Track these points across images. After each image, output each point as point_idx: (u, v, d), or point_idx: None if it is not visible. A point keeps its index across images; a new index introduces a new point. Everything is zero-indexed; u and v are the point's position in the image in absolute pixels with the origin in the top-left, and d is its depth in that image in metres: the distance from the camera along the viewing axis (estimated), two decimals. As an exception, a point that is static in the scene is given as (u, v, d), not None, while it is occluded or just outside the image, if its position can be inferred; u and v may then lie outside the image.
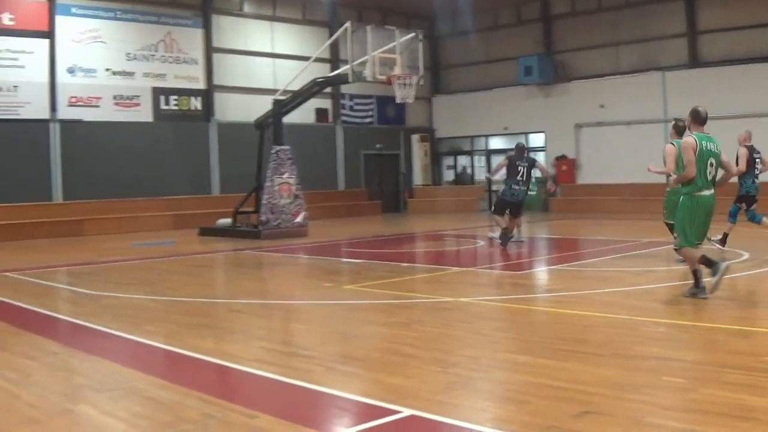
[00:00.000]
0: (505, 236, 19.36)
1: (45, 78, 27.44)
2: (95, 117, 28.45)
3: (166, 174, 29.64)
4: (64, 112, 27.81)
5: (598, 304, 11.19)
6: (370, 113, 37.16)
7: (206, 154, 31.28)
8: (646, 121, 31.93)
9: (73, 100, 28.05)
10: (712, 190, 11.20)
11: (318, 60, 28.50)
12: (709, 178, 11.09)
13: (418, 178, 38.89)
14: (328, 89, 31.94)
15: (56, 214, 26.96)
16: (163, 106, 30.22)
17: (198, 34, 31.29)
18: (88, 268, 17.51)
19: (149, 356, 8.88)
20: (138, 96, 29.59)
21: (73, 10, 28.12)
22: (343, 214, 33.26)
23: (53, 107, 27.53)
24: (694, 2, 31.40)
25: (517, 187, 19.40)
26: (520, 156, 19.70)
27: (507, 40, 37.21)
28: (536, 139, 36.58)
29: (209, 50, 31.54)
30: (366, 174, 37.04)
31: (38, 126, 27.18)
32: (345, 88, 34.49)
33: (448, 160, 40.67)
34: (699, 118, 11.37)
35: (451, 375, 7.46)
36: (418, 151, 38.64)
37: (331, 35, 30.77)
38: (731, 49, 30.52)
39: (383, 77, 22.47)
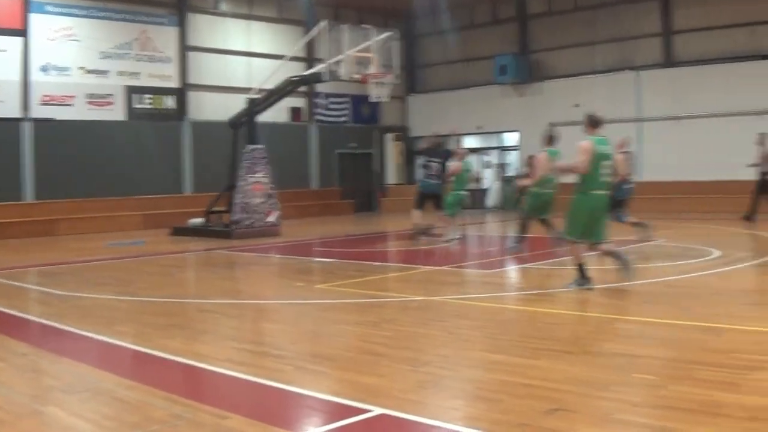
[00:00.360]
0: (419, 232, 20.46)
1: (18, 76, 27.23)
2: (68, 116, 28.24)
3: (139, 173, 29.46)
4: (37, 111, 27.60)
5: (569, 302, 11.25)
6: (344, 112, 37.10)
7: (180, 153, 31.17)
8: (620, 120, 31.97)
9: (46, 98, 27.85)
10: (606, 191, 12.05)
11: (293, 59, 28.45)
12: (602, 179, 11.88)
13: (391, 177, 38.88)
14: (303, 88, 31.86)
15: (28, 213, 26.76)
16: (136, 105, 30.05)
17: (173, 32, 31.15)
18: (60, 268, 17.39)
19: (119, 357, 8.82)
20: (111, 95, 29.40)
21: (48, 7, 27.92)
22: (317, 214, 33.21)
23: (26, 106, 27.34)
24: (669, 2, 31.51)
25: (427, 180, 20.63)
26: (432, 152, 20.60)
27: (483, 40, 37.19)
28: (511, 138, 36.64)
29: (184, 49, 31.42)
30: (340, 173, 36.99)
31: (10, 125, 26.97)
32: (320, 87, 34.38)
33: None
34: (594, 123, 12.23)
35: (423, 374, 7.46)
36: (392, 150, 38.64)
37: (306, 34, 30.72)
38: (705, 49, 30.63)
39: (358, 76, 22.44)
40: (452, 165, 20.60)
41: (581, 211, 12.00)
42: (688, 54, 31.13)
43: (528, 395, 6.61)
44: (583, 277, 12.08)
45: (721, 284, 12.67)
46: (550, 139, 17.17)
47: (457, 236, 20.14)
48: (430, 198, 20.73)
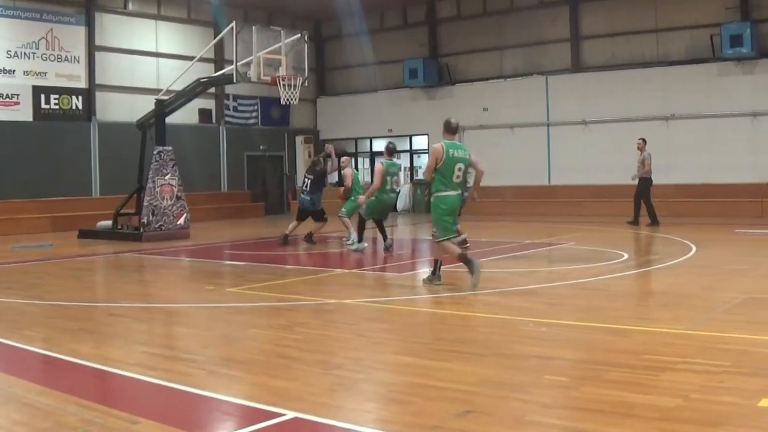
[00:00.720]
0: (286, 238, 21.02)
1: None
2: (-27, 116, 27.80)
3: (46, 175, 28.95)
4: (-59, 111, 27.11)
5: (480, 305, 11.33)
6: (254, 114, 36.93)
7: (87, 154, 30.73)
8: (529, 124, 32.35)
9: (-49, 97, 27.38)
10: (459, 191, 13.08)
11: (202, 60, 28.25)
12: (456, 180, 12.89)
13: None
14: (212, 90, 31.71)
15: (-69, 215, 26.26)
16: (43, 105, 29.59)
17: (81, 31, 30.72)
18: (-36, 271, 17.09)
19: (28, 361, 8.69)
20: (18, 95, 28.90)
21: (-50, 5, 27.46)
22: (227, 216, 33.03)
23: (-71, 105, 26.84)
24: (578, 8, 31.92)
25: (302, 196, 21.27)
26: (308, 169, 21.77)
27: (392, 43, 37.29)
28: (420, 142, 36.76)
29: (92, 48, 31.00)
30: (249, 175, 36.80)
31: None
32: (229, 89, 34.30)
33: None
34: (450, 128, 13.21)
35: (335, 377, 7.46)
36: (302, 152, 38.56)
37: (216, 35, 30.53)
38: (612, 55, 31.12)
39: (268, 78, 22.34)
40: (345, 173, 20.91)
41: (443, 212, 12.85)
42: (595, 59, 31.60)
43: (440, 398, 6.64)
44: (434, 274, 13.11)
45: (630, 286, 12.88)
46: (391, 152, 19.11)
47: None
48: (307, 213, 21.22)
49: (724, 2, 28.47)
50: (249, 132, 36.64)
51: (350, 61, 38.77)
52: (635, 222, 24.58)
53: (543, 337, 9.11)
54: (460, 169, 12.82)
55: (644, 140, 24.83)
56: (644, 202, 24.55)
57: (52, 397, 6.91)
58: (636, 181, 24.61)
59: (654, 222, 24.23)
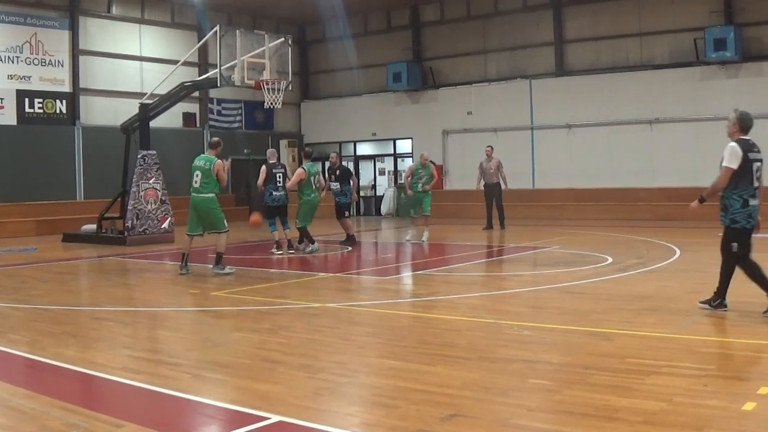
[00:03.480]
0: (353, 239, 21.48)
1: None
2: (-43, 120, 27.68)
3: (30, 178, 28.84)
4: (-75, 115, 26.99)
5: (465, 309, 11.33)
6: (238, 118, 36.86)
7: (71, 158, 30.63)
8: (513, 127, 32.37)
9: (-66, 102, 27.26)
10: (201, 195, 15.90)
11: (186, 64, 28.17)
12: (195, 185, 15.87)
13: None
14: (196, 93, 31.62)
15: None
16: (27, 109, 29.48)
17: (64, 35, 30.63)
18: (-52, 275, 17.02)
19: (12, 365, 8.67)
20: (2, 99, 28.78)
21: (-67, 9, 27.34)
22: (211, 220, 32.92)
23: None
24: (561, 12, 31.96)
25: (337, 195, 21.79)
26: (330, 168, 21.72)
27: (376, 47, 37.28)
28: (404, 145, 36.75)
29: (75, 52, 30.92)
30: (233, 179, 36.68)
31: None
32: (213, 93, 34.25)
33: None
34: (212, 145, 16.31)
35: (319, 380, 7.47)
36: (287, 156, 38.49)
37: (200, 39, 30.49)
38: (596, 59, 31.17)
39: (252, 82, 22.32)
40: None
41: (192, 211, 16.28)
42: (579, 63, 31.64)
43: (425, 401, 6.65)
44: (185, 264, 16.34)
45: (614, 290, 12.87)
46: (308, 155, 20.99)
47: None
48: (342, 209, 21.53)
49: (708, 6, 28.56)
50: (233, 136, 36.52)
51: (334, 64, 38.72)
52: (491, 226, 25.37)
53: (527, 341, 9.13)
54: (197, 175, 15.81)
55: (492, 147, 25.64)
56: (496, 206, 24.99)
57: (37, 400, 6.91)
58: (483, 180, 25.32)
59: (490, 226, 24.97)
